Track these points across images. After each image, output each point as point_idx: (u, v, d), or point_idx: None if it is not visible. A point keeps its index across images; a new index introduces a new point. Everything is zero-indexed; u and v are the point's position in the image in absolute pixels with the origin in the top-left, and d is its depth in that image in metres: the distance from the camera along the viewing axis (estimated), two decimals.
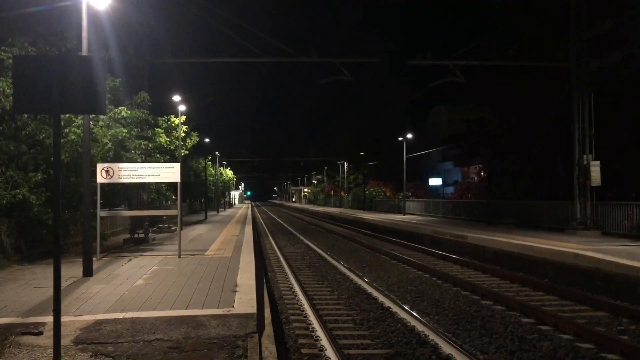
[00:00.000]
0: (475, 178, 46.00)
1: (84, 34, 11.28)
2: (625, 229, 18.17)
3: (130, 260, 13.76)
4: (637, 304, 10.43)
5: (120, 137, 15.00)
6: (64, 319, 6.58)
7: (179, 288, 9.65)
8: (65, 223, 14.00)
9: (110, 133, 14.69)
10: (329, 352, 7.56)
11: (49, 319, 6.72)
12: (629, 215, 18.09)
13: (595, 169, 19.29)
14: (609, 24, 18.32)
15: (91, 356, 5.76)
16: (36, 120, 13.42)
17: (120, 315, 7.48)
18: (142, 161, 17.04)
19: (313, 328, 8.88)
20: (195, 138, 29.02)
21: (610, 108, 22.08)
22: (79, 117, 13.39)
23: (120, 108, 15.42)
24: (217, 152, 58.69)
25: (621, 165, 23.48)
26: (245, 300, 8.45)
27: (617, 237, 18.04)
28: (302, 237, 27.98)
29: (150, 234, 19.53)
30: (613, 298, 11.06)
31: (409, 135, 44.85)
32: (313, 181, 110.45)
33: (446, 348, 7.59)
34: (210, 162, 52.19)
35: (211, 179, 53.84)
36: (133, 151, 16.84)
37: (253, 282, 10.17)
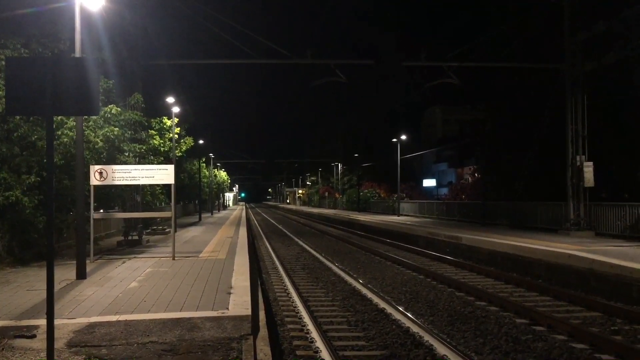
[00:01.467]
0: (470, 179, 46.07)
1: (77, 36, 11.24)
2: (619, 230, 18.25)
3: (124, 262, 13.70)
4: (631, 304, 10.47)
5: (112, 137, 14.90)
6: (57, 321, 6.53)
7: (173, 290, 9.62)
8: (58, 225, 13.92)
9: (101, 133, 14.60)
10: (324, 353, 7.55)
11: (42, 322, 6.69)
12: (622, 216, 18.17)
13: (588, 170, 19.36)
14: (603, 25, 18.40)
15: (85, 359, 5.72)
16: (29, 122, 13.34)
17: (114, 318, 7.44)
18: (136, 163, 16.98)
19: (308, 329, 8.87)
20: (189, 143, 29.00)
21: (604, 109, 22.18)
22: (71, 119, 13.31)
23: (109, 106, 15.24)
24: (211, 154, 58.60)
25: (614, 166, 23.58)
26: (239, 302, 8.43)
27: (611, 237, 18.11)
28: (296, 239, 27.95)
29: (144, 236, 19.46)
30: (607, 298, 11.09)
31: (403, 137, 44.94)
32: (307, 183, 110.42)
33: (441, 349, 7.59)
34: (204, 164, 52.09)
35: (205, 180, 53.76)
36: (127, 154, 16.78)
37: (247, 284, 10.15)
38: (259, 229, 38.23)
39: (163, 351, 5.96)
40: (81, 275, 10.96)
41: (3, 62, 11.88)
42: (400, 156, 43.50)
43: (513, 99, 28.58)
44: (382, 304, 10.71)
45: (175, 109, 24.88)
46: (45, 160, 12.37)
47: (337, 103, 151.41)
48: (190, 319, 7.39)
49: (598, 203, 19.73)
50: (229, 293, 9.27)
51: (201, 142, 43.23)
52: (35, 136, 13.26)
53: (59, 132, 13.39)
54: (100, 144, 14.38)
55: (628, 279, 11.09)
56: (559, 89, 20.55)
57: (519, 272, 14.61)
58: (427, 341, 8.03)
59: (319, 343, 8.01)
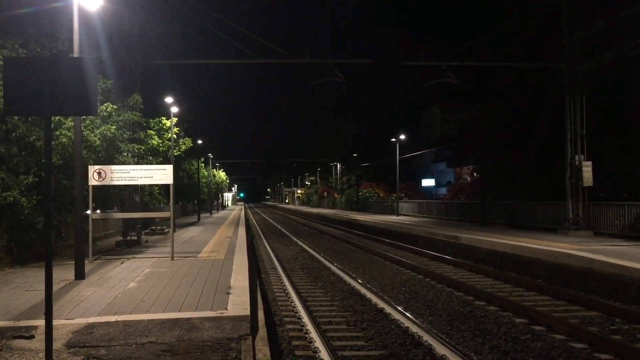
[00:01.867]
0: (468, 179, 46.09)
1: (75, 36, 11.22)
2: (617, 229, 18.25)
3: (122, 262, 13.68)
4: (630, 303, 10.47)
5: (109, 135, 14.86)
6: (55, 322, 6.52)
7: (172, 290, 9.60)
8: (56, 226, 13.91)
9: (98, 132, 14.57)
10: (323, 353, 7.54)
11: (41, 322, 6.67)
12: (621, 215, 18.17)
13: (587, 170, 19.36)
14: (601, 24, 18.40)
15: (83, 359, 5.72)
16: (27, 122, 13.32)
17: (112, 318, 7.43)
18: (135, 163, 16.96)
19: (307, 329, 8.86)
20: (189, 143, 29.00)
21: (603, 109, 22.19)
22: (69, 119, 13.30)
23: (105, 104, 15.21)
24: (210, 154, 58.57)
25: (613, 166, 23.60)
26: (238, 302, 8.42)
27: (609, 237, 18.12)
28: (295, 239, 27.94)
29: (142, 237, 19.43)
30: (606, 298, 11.10)
31: (402, 136, 44.94)
32: (306, 182, 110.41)
33: (440, 349, 7.59)
34: (203, 164, 52.08)
35: (204, 180, 53.73)
36: (125, 154, 16.75)
37: (246, 284, 10.14)
38: (258, 229, 38.21)
39: (162, 351, 5.95)
40: (80, 275, 10.94)
41: (1, 62, 11.86)
42: (399, 156, 43.49)
43: (512, 98, 28.60)
44: (381, 304, 10.70)
45: (174, 109, 24.87)
46: (43, 161, 12.35)
47: (336, 103, 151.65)
48: (189, 319, 7.38)
49: (597, 202, 19.74)
50: (228, 293, 9.26)
51: (200, 142, 43.24)
52: (34, 136, 13.23)
53: (57, 133, 13.38)
54: (98, 142, 14.35)
55: (627, 279, 11.09)
56: (557, 88, 20.56)
57: (518, 272, 14.61)
58: (426, 341, 8.03)
59: (318, 343, 8.00)
